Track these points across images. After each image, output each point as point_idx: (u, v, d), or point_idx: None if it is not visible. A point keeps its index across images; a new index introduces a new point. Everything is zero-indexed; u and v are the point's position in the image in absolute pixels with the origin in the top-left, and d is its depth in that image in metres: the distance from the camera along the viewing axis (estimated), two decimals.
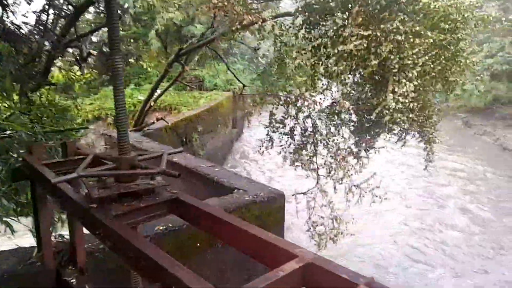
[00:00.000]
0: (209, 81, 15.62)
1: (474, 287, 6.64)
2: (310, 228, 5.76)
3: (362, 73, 4.66)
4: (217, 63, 18.34)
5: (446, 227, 8.72)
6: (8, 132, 4.01)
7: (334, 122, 5.91)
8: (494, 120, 16.67)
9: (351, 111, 5.09)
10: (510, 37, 16.15)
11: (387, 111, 4.74)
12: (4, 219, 3.88)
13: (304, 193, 6.31)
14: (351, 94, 5.04)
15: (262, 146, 6.56)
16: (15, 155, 3.77)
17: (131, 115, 12.30)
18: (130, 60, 16.51)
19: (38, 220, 2.59)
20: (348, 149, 6.01)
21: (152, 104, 7.43)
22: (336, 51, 4.39)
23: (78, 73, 14.34)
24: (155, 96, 7.46)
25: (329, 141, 6.11)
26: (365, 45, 4.26)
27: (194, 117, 10.01)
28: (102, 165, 1.97)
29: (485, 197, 10.27)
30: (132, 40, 15.65)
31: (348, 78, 4.58)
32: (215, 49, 7.70)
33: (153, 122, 7.51)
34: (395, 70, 4.76)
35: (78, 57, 5.38)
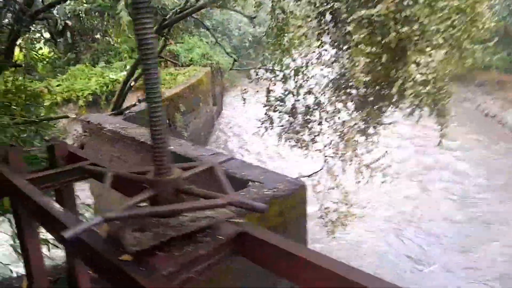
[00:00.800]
0: (185, 56, 14.68)
1: None
2: (322, 215, 5.32)
3: (382, 42, 4.11)
4: (189, 37, 17.33)
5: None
6: None
7: (342, 98, 5.38)
8: (473, 86, 16.66)
9: (363, 85, 4.56)
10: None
11: (409, 83, 4.25)
12: None
13: (309, 176, 5.83)
14: (364, 66, 4.49)
15: (261, 127, 5.98)
16: None
17: (103, 96, 11.39)
18: (96, 36, 15.27)
19: (25, 244, 1.96)
20: (356, 126, 5.52)
21: (132, 84, 6.64)
22: (355, 16, 3.81)
23: (41, 51, 13.10)
24: (135, 76, 6.66)
25: (334, 118, 5.60)
26: (392, 8, 3.70)
27: (175, 96, 9.26)
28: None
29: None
30: (97, 14, 14.36)
31: (366, 47, 4.03)
32: (200, 20, 6.90)
33: (135, 104, 6.75)
34: (416, 38, 4.25)
35: (52, 31, 4.52)
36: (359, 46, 3.97)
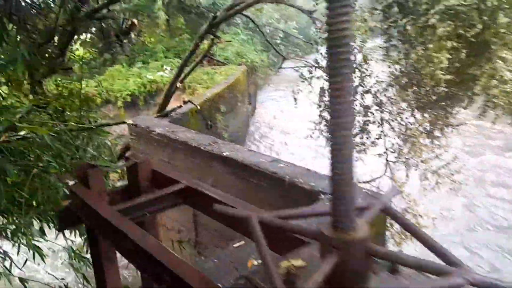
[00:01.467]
0: (219, 54, 14.43)
1: None
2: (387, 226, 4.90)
3: (465, 35, 3.66)
4: (223, 34, 17.07)
5: None
6: (22, 133, 3.05)
7: (406, 97, 4.93)
8: None
9: (443, 83, 4.11)
10: None
11: (494, 82, 3.78)
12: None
13: (368, 182, 5.43)
14: (440, 62, 4.04)
15: (315, 130, 5.60)
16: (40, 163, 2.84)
17: (142, 97, 11.28)
18: (132, 36, 15.21)
19: (102, 268, 1.68)
20: (421, 128, 5.07)
21: (178, 85, 6.40)
22: (440, 7, 3.38)
23: (77, 52, 13.13)
24: (179, 76, 6.41)
25: (397, 119, 5.17)
26: None
27: (216, 97, 8.99)
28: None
29: None
30: (132, 14, 14.30)
31: (448, 42, 3.59)
32: (249, 17, 6.59)
33: (180, 106, 6.51)
34: (503, 31, 3.77)
35: (117, 32, 4.30)
36: (441, 41, 3.54)
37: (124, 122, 3.67)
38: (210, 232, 4.68)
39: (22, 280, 3.09)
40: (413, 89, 4.81)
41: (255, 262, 2.49)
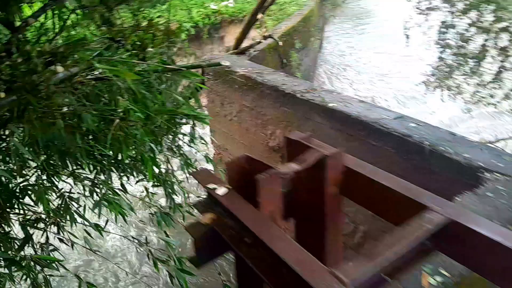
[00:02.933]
0: None
1: None
2: None
3: None
4: None
5: None
6: (96, 72, 2.38)
7: None
8: None
9: None
10: None
11: None
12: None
13: (491, 143, 4.42)
14: None
15: (431, 77, 4.55)
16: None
17: (205, 29, 10.39)
18: None
19: None
20: None
21: (260, 17, 5.46)
22: None
23: None
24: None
25: None
26: None
27: (291, 31, 7.93)
28: None
29: None
30: None
31: None
32: None
33: (259, 42, 5.63)
34: None
35: None
36: None
37: (219, 64, 2.89)
38: None
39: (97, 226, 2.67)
40: None
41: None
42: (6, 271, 2.34)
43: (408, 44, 5.05)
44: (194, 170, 3.00)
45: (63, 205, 2.63)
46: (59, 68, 1.89)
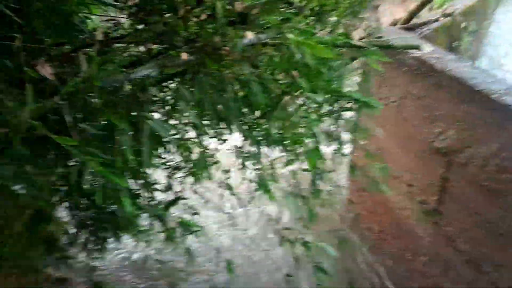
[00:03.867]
0: None
1: None
2: None
3: None
4: None
5: None
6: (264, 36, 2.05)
7: None
8: None
9: None
10: None
11: None
12: None
13: None
14: None
15: None
16: None
17: None
18: None
19: None
20: None
21: None
22: None
23: None
24: None
25: None
26: None
27: (469, 11, 6.74)
28: None
29: None
30: None
31: None
32: None
33: (437, 19, 4.79)
34: None
35: None
36: None
37: (416, 47, 2.34)
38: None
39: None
40: None
41: None
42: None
43: None
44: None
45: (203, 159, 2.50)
46: (249, 34, 1.60)
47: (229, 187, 2.45)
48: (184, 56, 1.47)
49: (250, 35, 1.52)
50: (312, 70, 1.77)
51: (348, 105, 2.27)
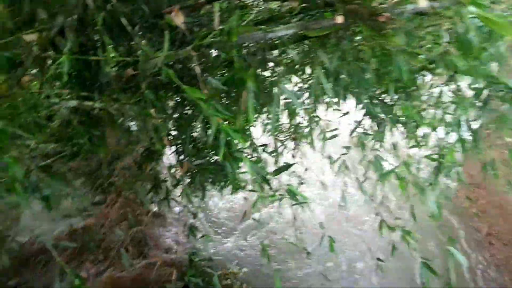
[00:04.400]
0: None
1: None
2: None
3: None
4: None
5: None
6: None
7: None
8: None
9: None
10: None
11: None
12: None
13: None
14: None
15: None
16: None
17: None
18: None
19: None
20: None
21: None
22: None
23: None
24: None
25: None
26: None
27: None
28: None
29: None
30: None
31: None
32: None
33: None
34: None
35: None
36: None
37: None
38: None
39: None
40: None
41: None
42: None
43: None
44: None
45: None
46: (422, 1, 1.34)
47: (345, 166, 2.28)
48: (340, 19, 1.30)
49: (421, 2, 1.29)
50: (473, 48, 1.49)
51: (500, 95, 1.92)
